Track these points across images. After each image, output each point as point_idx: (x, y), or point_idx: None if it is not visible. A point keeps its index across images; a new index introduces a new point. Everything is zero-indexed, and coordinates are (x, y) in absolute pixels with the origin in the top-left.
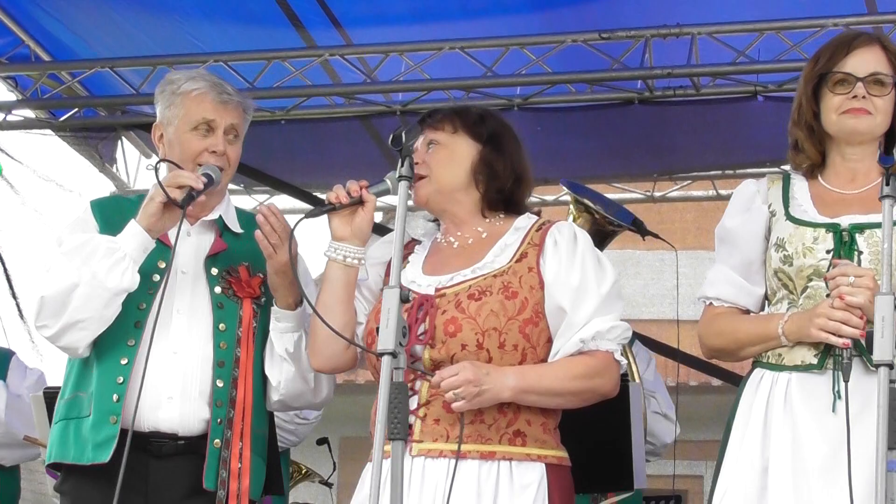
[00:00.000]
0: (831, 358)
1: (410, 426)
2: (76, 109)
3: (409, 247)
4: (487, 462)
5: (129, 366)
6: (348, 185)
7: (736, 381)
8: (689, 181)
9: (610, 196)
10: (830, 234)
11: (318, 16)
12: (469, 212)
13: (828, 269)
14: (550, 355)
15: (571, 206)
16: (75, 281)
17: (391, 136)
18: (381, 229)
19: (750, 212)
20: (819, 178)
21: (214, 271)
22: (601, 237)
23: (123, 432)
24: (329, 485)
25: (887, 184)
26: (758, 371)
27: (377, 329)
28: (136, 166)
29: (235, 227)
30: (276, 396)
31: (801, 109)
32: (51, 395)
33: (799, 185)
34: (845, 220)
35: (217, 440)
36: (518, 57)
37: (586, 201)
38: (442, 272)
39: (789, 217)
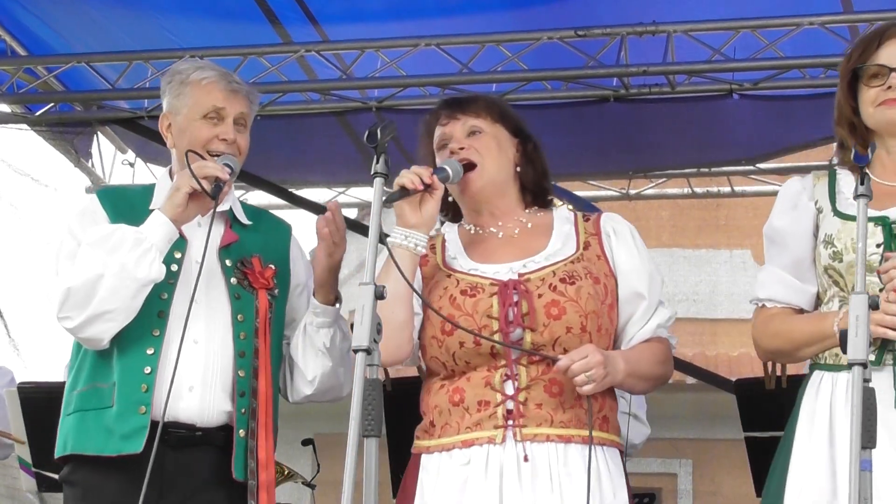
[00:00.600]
0: (889, 353)
1: (511, 411)
2: (52, 104)
3: (431, 239)
4: (588, 447)
5: (155, 356)
6: (416, 171)
7: (710, 380)
8: (665, 179)
9: (584, 193)
10: (879, 228)
11: (294, 12)
12: (510, 204)
13: (879, 263)
14: (625, 340)
15: None
16: (101, 272)
17: (366, 133)
18: (357, 226)
19: (797, 209)
20: (868, 174)
21: (229, 262)
22: None
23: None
24: (312, 486)
25: (862, 183)
26: (817, 373)
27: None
28: (111, 161)
29: (244, 218)
30: (308, 390)
31: (840, 107)
32: (26, 391)
33: (845, 179)
34: (894, 213)
35: (242, 430)
36: (494, 54)
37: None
38: (499, 260)
39: (836, 212)
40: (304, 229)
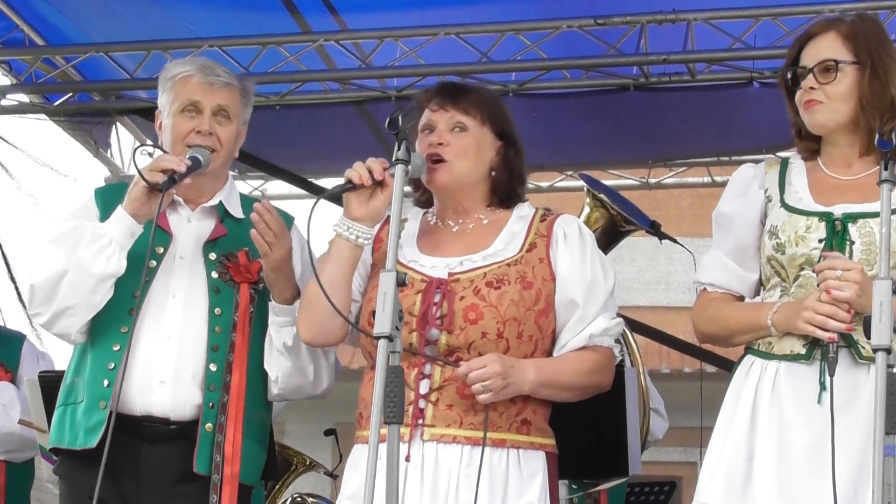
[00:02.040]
0: (819, 349)
1: (422, 410)
2: (70, 94)
3: (388, 221)
4: (498, 450)
5: (120, 352)
6: (369, 164)
7: (729, 367)
8: (685, 168)
9: (605, 182)
10: (823, 224)
11: (313, 1)
12: (476, 202)
13: (819, 260)
14: (557, 347)
15: (588, 200)
16: (63, 268)
17: (388, 119)
18: None
19: (746, 197)
20: (819, 161)
21: (213, 256)
22: (613, 235)
23: (119, 417)
24: (334, 476)
25: (885, 168)
26: (748, 357)
27: (372, 313)
28: (130, 151)
29: (238, 212)
30: (275, 390)
31: (787, 111)
32: (46, 379)
33: (797, 170)
34: (839, 209)
35: (209, 424)
36: (513, 43)
37: (603, 198)
38: (443, 254)
39: (784, 204)
40: (323, 219)
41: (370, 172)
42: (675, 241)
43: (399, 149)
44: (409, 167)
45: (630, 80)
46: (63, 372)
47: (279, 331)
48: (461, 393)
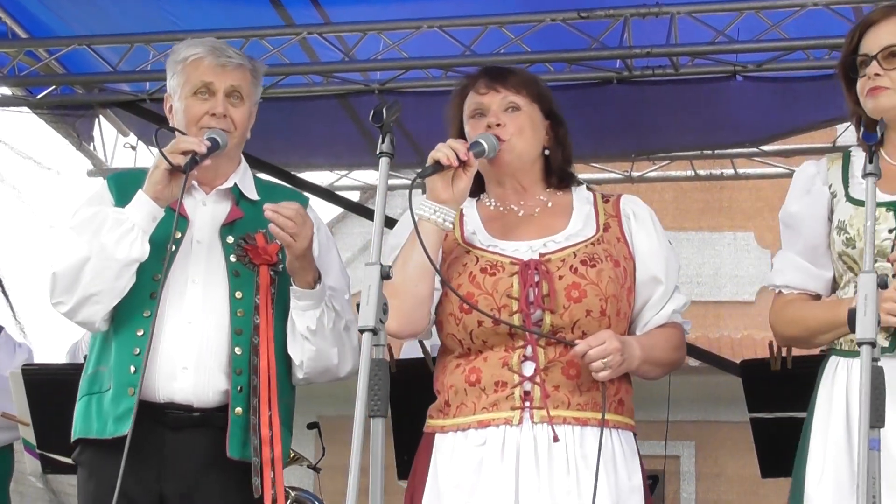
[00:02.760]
0: None
1: (527, 393)
2: (53, 87)
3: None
4: (605, 430)
5: (144, 337)
6: (452, 145)
7: (714, 362)
8: (668, 161)
9: (588, 176)
10: (892, 213)
11: None
12: (534, 182)
13: (892, 250)
14: (641, 324)
15: None
16: (86, 255)
17: (372, 112)
18: (359, 209)
19: (811, 194)
20: (882, 151)
21: (230, 239)
22: None
23: (142, 404)
24: (317, 470)
25: (870, 161)
26: (832, 359)
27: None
28: (113, 144)
29: (252, 194)
30: (300, 374)
31: (846, 101)
32: (29, 373)
33: (859, 161)
34: None
35: (239, 408)
36: (497, 36)
37: None
38: (520, 237)
39: (849, 198)
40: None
41: (455, 153)
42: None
43: (383, 141)
44: (486, 149)
45: (613, 74)
46: (45, 364)
47: (301, 315)
48: (566, 374)
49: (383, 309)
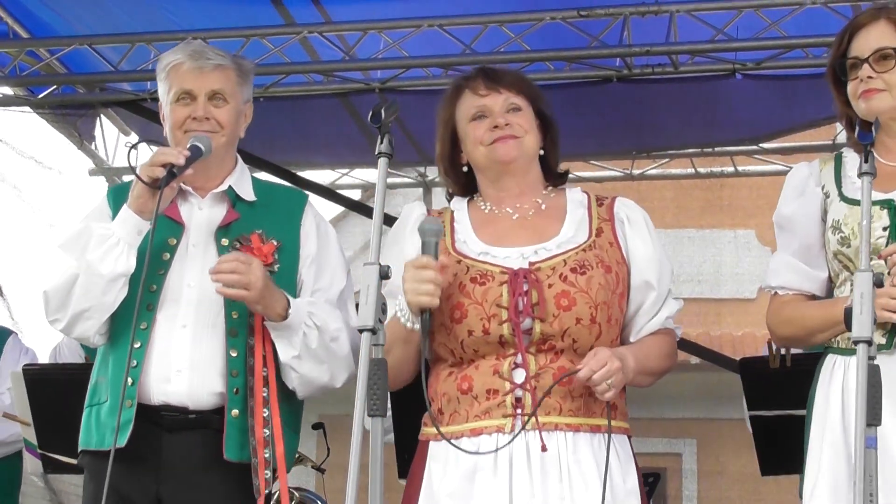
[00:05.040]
0: None
1: (519, 399)
2: (55, 87)
3: (439, 217)
4: (597, 435)
5: (142, 349)
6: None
7: (715, 360)
8: (668, 159)
9: (588, 174)
10: (885, 211)
11: None
12: (532, 182)
13: (886, 247)
14: (635, 330)
15: None
16: (75, 272)
17: (370, 112)
18: (360, 207)
19: (804, 195)
20: (872, 151)
21: (225, 242)
22: None
23: (138, 407)
24: (322, 470)
25: (866, 160)
26: (830, 357)
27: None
28: (114, 144)
29: (249, 195)
30: (299, 395)
31: (835, 103)
32: (30, 373)
33: (852, 162)
34: None
35: (235, 410)
36: (497, 34)
37: None
38: (512, 244)
39: (843, 197)
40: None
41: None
42: None
43: (382, 142)
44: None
45: (613, 72)
46: (46, 364)
47: (282, 345)
48: (568, 382)
49: (382, 308)
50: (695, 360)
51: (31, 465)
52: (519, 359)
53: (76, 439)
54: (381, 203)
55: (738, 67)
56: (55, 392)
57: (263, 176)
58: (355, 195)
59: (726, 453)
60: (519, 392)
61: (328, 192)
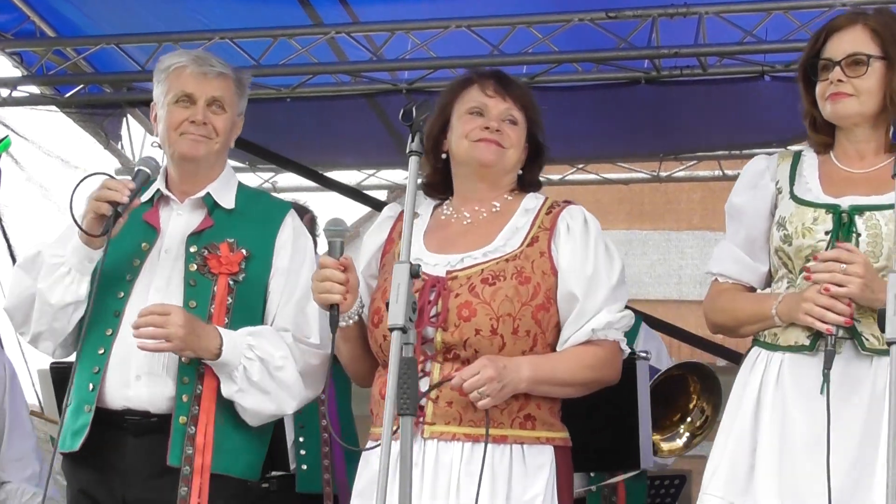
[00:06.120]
0: (823, 340)
1: (422, 408)
2: (81, 86)
3: (402, 217)
4: (500, 446)
5: (105, 355)
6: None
7: (739, 361)
8: (696, 161)
9: (615, 176)
10: (830, 215)
11: None
12: (502, 189)
13: (827, 250)
14: (560, 342)
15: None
16: (31, 293)
17: (402, 111)
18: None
19: (756, 189)
20: (831, 154)
21: (193, 249)
22: None
23: (102, 412)
24: None
25: None
26: (755, 349)
27: (386, 305)
28: (140, 143)
29: (228, 203)
30: (249, 423)
31: (801, 101)
32: (58, 370)
33: (809, 162)
34: (847, 201)
35: (183, 417)
36: (525, 35)
37: None
38: (449, 251)
39: (793, 196)
40: (334, 211)
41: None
42: None
43: (413, 140)
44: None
45: (641, 74)
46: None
47: (223, 384)
48: (459, 390)
49: (413, 307)
50: (721, 362)
51: (58, 462)
52: (428, 366)
53: None
54: (412, 202)
55: (766, 70)
56: None
57: (288, 178)
58: (381, 196)
59: None
60: (422, 400)
61: (355, 193)
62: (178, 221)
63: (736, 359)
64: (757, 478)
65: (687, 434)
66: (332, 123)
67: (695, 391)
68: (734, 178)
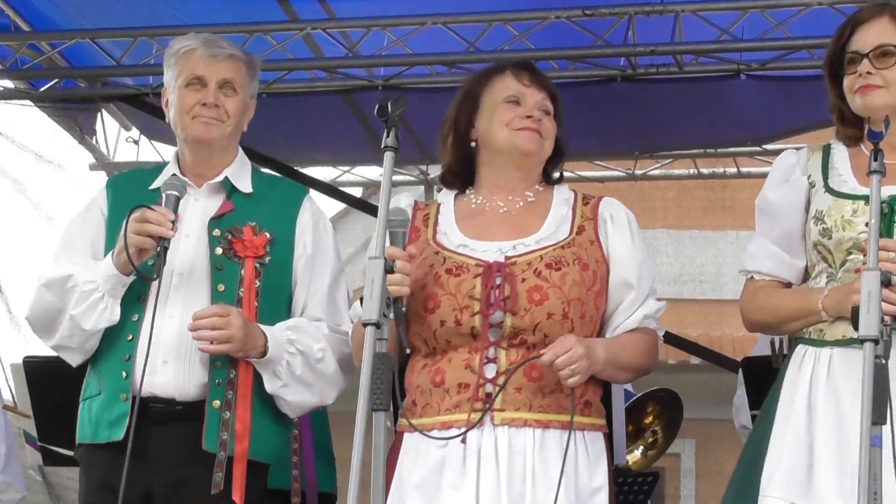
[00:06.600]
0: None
1: (489, 395)
2: (56, 80)
3: (425, 209)
4: (566, 432)
5: (133, 341)
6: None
7: (716, 360)
8: (671, 159)
9: (591, 174)
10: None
11: None
12: (533, 179)
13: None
14: (611, 328)
15: None
16: (58, 307)
17: (377, 107)
18: (362, 205)
19: (789, 183)
20: (861, 146)
21: (217, 233)
22: None
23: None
24: None
25: (875, 159)
26: (800, 348)
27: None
28: (115, 138)
29: (246, 187)
30: (289, 415)
31: (829, 96)
32: (31, 364)
33: (840, 155)
34: (885, 192)
35: (216, 401)
36: (501, 33)
37: None
38: (493, 238)
39: (828, 189)
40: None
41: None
42: None
43: (388, 136)
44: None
45: (617, 72)
46: (47, 356)
47: (266, 380)
48: (529, 376)
49: (387, 303)
50: (695, 360)
51: (31, 457)
52: (492, 352)
53: (76, 432)
54: (387, 197)
55: (742, 68)
56: (55, 384)
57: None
58: (357, 192)
59: (725, 453)
60: (489, 387)
61: (330, 189)
62: (196, 206)
63: (711, 357)
64: (817, 478)
65: (641, 447)
66: (308, 120)
67: (652, 412)
68: (709, 176)
